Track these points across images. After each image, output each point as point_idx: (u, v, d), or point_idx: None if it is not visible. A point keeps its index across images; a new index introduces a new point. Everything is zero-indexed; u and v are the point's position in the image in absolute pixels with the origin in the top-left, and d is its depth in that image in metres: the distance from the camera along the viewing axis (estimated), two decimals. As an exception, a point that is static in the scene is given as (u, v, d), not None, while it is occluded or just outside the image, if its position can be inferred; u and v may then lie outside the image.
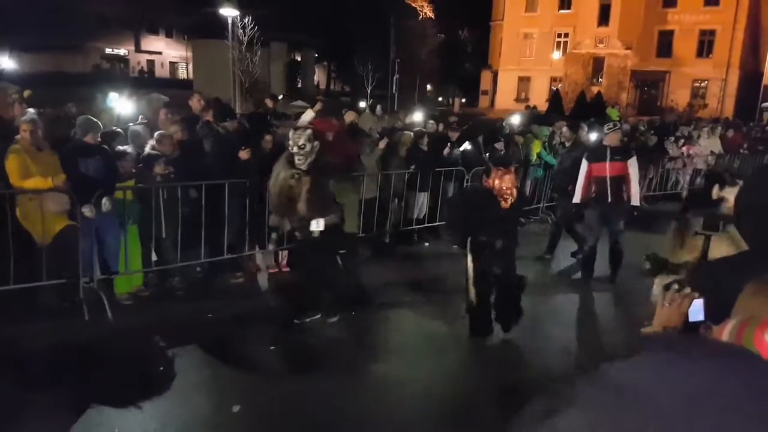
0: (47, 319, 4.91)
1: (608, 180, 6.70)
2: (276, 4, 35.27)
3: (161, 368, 4.09)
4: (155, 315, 5.44)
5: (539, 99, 33.90)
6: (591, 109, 23.37)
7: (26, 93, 8.27)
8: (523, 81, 43.62)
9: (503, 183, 4.73)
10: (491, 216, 4.80)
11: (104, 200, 5.21)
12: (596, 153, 6.98)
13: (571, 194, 7.14)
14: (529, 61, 42.82)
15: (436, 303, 6.03)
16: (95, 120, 5.73)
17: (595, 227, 6.93)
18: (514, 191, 4.81)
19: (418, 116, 11.61)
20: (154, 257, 6.01)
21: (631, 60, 38.08)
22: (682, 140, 12.72)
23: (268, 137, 6.83)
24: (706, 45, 38.10)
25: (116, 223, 5.52)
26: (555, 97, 29.32)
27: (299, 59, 42.36)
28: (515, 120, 9.65)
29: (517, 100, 40.20)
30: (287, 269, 6.84)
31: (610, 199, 6.70)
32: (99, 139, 5.60)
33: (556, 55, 41.20)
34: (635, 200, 6.79)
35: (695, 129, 14.32)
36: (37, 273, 5.14)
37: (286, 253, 6.82)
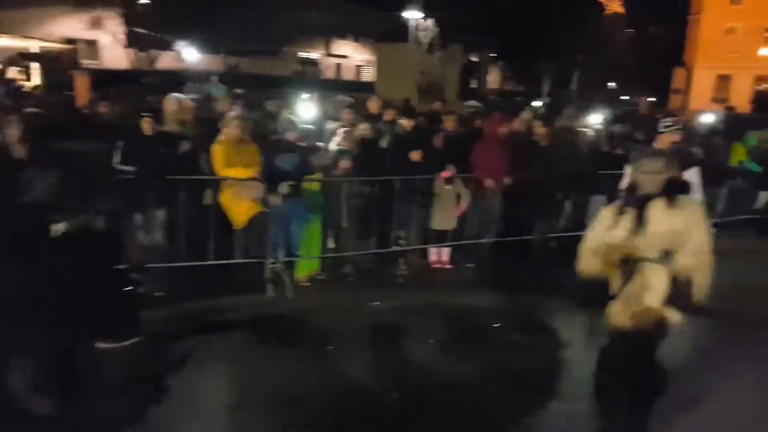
0: (235, 293, 5.69)
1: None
2: (456, 6, 35.63)
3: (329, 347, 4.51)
4: (328, 297, 6.01)
5: (741, 100, 30.08)
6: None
7: (236, 91, 9.42)
8: (723, 80, 39.16)
9: None
10: None
11: (282, 184, 5.81)
12: None
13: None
14: (732, 57, 38.21)
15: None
16: (294, 118, 6.49)
17: None
18: None
19: (595, 117, 11.06)
20: (330, 245, 6.59)
21: None
22: None
23: (438, 139, 7.10)
24: None
25: (302, 212, 6.12)
26: (761, 99, 25.90)
27: (476, 59, 42.29)
28: (707, 119, 8.72)
29: (715, 100, 36.13)
30: (449, 266, 7.10)
31: None
32: (296, 136, 6.32)
33: (765, 51, 36.34)
34: None
35: None
36: (232, 251, 5.94)
37: (449, 249, 7.11)
